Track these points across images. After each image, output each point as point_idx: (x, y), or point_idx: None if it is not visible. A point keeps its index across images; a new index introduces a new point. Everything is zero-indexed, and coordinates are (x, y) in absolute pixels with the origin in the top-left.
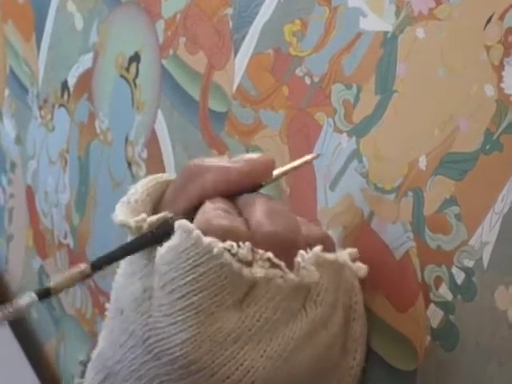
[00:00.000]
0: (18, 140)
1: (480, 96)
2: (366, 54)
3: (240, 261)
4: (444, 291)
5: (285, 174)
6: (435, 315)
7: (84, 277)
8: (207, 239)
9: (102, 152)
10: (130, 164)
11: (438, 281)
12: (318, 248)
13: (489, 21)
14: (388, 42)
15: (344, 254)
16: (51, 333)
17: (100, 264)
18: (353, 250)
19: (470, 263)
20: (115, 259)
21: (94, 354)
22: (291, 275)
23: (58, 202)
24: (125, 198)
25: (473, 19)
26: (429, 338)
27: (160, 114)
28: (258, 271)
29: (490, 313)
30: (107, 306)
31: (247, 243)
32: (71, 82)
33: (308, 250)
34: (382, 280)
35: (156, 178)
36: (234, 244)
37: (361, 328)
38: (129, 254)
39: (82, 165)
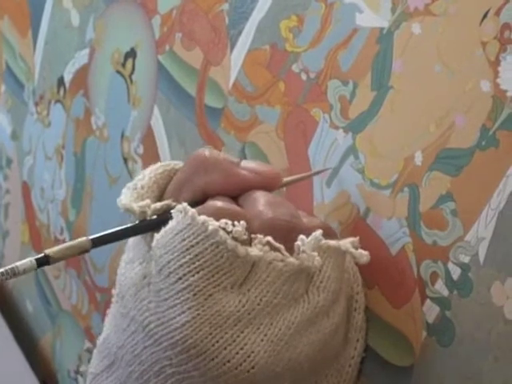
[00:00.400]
0: (14, 136)
1: (476, 92)
2: (362, 50)
3: (235, 239)
4: (440, 287)
5: (290, 183)
6: (431, 311)
7: (83, 251)
8: (202, 217)
9: (98, 148)
10: (126, 160)
11: (434, 276)
12: (318, 232)
13: (485, 16)
14: (384, 37)
15: (346, 242)
16: (47, 328)
17: (100, 241)
18: (354, 239)
19: (465, 259)
20: (115, 239)
21: (100, 339)
22: (291, 259)
23: (54, 197)
24: (131, 183)
25: (469, 15)
26: (425, 333)
27: (156, 109)
28: (254, 251)
29: (486, 308)
30: (113, 291)
31: (242, 222)
32: (67, 77)
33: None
34: (377, 276)
35: (164, 166)
36: (229, 222)
37: (362, 318)
38: (129, 236)
39: (78, 161)
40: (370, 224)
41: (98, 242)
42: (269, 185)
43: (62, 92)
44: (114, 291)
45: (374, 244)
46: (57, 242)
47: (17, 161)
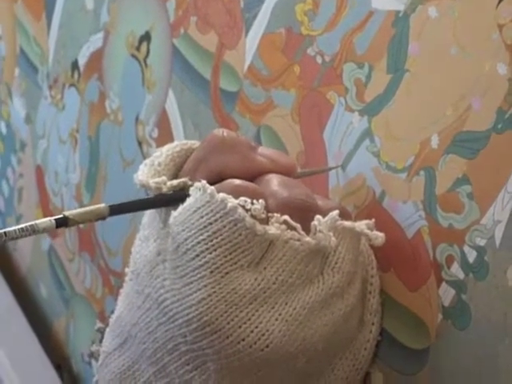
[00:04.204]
0: (28, 119)
1: (492, 75)
2: (378, 33)
3: (254, 217)
4: (456, 270)
5: (306, 175)
6: (447, 294)
7: (100, 217)
8: (221, 195)
9: (113, 131)
10: (140, 143)
11: (450, 259)
12: (334, 212)
13: None
14: (400, 20)
15: (361, 224)
16: (61, 312)
17: (117, 209)
18: (369, 221)
19: (481, 242)
20: (132, 209)
21: (112, 318)
22: (308, 238)
23: (68, 181)
24: (148, 160)
25: None
26: (440, 316)
27: (171, 93)
28: (272, 229)
29: (501, 291)
30: (126, 270)
31: (261, 200)
32: (81, 61)
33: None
34: (393, 259)
35: (181, 145)
36: (248, 200)
37: (377, 302)
38: (145, 209)
39: (92, 144)
40: (385, 207)
41: (115, 210)
42: (284, 174)
43: (76, 76)
44: (127, 269)
45: (390, 227)
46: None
47: (31, 144)
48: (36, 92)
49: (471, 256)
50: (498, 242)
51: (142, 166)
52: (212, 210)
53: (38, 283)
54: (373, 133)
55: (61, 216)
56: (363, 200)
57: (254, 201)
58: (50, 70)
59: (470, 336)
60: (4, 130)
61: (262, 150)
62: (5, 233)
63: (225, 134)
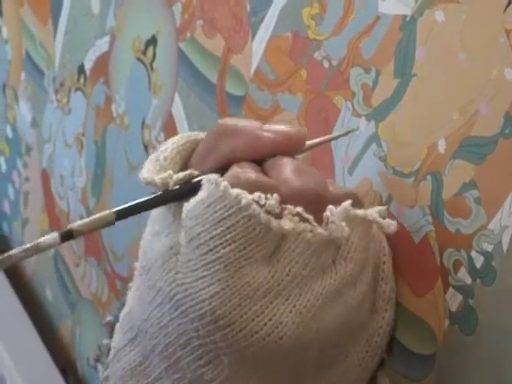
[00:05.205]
0: (34, 123)
1: (500, 79)
2: (385, 37)
3: (268, 212)
4: (463, 275)
5: (316, 146)
6: (454, 299)
7: (107, 223)
8: (235, 190)
9: (119, 136)
10: (146, 147)
11: (457, 265)
12: (347, 202)
13: (509, 3)
14: (407, 25)
15: (373, 212)
16: (67, 316)
17: (124, 213)
18: (382, 208)
19: (489, 247)
20: (140, 210)
21: (122, 313)
22: (320, 229)
23: (73, 185)
24: (154, 155)
25: (492, 2)
26: (447, 321)
27: (177, 97)
28: (287, 224)
29: (509, 297)
30: (135, 264)
31: (275, 195)
32: (88, 65)
33: (337, 206)
34: (400, 264)
35: (186, 137)
36: (262, 195)
37: (390, 288)
38: (154, 207)
39: (98, 148)
40: (392, 212)
41: (122, 215)
42: (293, 146)
43: (82, 80)
44: (136, 264)
45: (397, 232)
46: None
47: (36, 148)
48: (42, 96)
49: (478, 261)
50: (505, 247)
51: (146, 163)
52: (225, 206)
53: (43, 287)
54: (380, 137)
55: (65, 230)
56: (370, 205)
57: (269, 195)
58: (56, 73)
59: (477, 341)
60: (10, 134)
61: (268, 126)
62: (10, 255)
63: (228, 121)
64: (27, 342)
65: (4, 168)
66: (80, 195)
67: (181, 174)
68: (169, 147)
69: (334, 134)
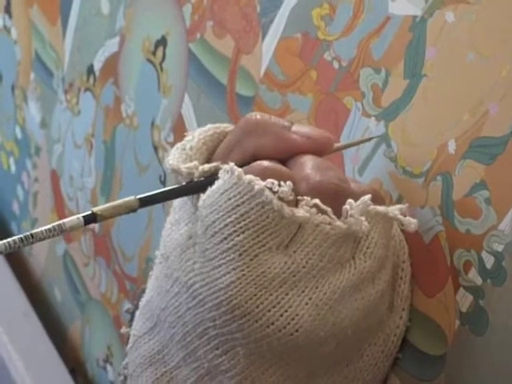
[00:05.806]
0: (43, 124)
1: (510, 80)
2: (395, 38)
3: (281, 200)
4: (473, 276)
5: (340, 150)
6: (464, 300)
7: (130, 210)
8: (248, 177)
9: (128, 136)
10: (156, 148)
11: (468, 265)
12: (367, 197)
13: None
14: (417, 25)
15: (394, 209)
16: (76, 316)
17: (147, 201)
18: (402, 206)
19: (499, 247)
20: (163, 199)
21: (143, 302)
22: (339, 222)
23: (83, 186)
24: (180, 144)
25: (503, 2)
26: (458, 322)
27: (187, 98)
28: (300, 212)
29: None
30: (156, 253)
31: (288, 182)
32: (97, 66)
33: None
34: (411, 264)
35: (214, 128)
36: (276, 182)
37: (408, 288)
38: (177, 197)
39: (107, 149)
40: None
41: (145, 202)
42: (320, 150)
43: (91, 80)
44: (157, 252)
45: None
46: (86, 230)
47: (46, 149)
48: (51, 96)
49: (489, 262)
50: None
51: (173, 151)
52: (239, 192)
53: (52, 287)
54: (390, 138)
55: (89, 212)
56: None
57: (282, 183)
58: (66, 74)
59: (488, 342)
60: (19, 135)
61: (296, 127)
62: (31, 234)
63: (258, 116)
64: (36, 342)
65: (13, 169)
66: (89, 196)
67: (206, 166)
68: (195, 137)
69: (357, 138)
